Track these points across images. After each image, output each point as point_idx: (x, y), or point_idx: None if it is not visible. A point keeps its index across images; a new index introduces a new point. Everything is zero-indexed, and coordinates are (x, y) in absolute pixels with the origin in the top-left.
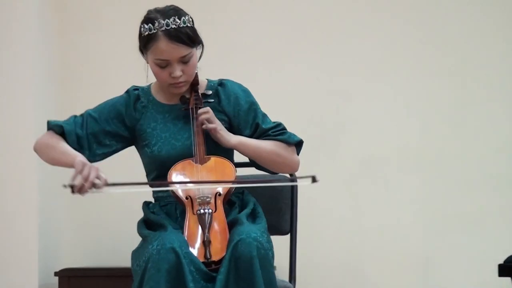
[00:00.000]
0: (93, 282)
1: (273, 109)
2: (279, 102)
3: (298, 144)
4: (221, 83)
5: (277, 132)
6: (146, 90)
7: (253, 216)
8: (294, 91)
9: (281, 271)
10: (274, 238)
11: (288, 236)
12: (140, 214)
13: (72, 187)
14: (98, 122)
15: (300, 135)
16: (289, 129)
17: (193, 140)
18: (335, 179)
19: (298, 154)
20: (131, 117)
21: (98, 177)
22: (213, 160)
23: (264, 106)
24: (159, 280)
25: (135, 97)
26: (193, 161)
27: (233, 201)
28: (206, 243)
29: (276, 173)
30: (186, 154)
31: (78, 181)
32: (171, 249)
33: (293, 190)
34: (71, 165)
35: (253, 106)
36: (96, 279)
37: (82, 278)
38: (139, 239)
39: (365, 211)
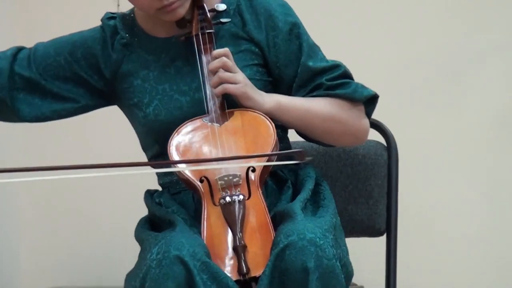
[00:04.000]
0: None
1: (365, 35)
2: (372, 24)
3: (369, 101)
4: None
5: (336, 81)
6: (128, 18)
7: (315, 202)
8: (397, 8)
9: None
10: (362, 241)
11: (384, 238)
12: (125, 218)
13: None
14: (56, 58)
15: (405, 75)
16: (388, 66)
17: (204, 88)
18: (460, 147)
19: (369, 115)
20: (110, 62)
21: None
22: (239, 115)
23: (355, 27)
24: None
25: (111, 30)
26: (206, 120)
27: (283, 177)
28: (239, 250)
29: (331, 146)
30: (198, 114)
31: None
32: (177, 259)
33: (391, 164)
34: None
35: (295, 29)
36: None
37: None
38: (125, 250)
39: (509, 201)
